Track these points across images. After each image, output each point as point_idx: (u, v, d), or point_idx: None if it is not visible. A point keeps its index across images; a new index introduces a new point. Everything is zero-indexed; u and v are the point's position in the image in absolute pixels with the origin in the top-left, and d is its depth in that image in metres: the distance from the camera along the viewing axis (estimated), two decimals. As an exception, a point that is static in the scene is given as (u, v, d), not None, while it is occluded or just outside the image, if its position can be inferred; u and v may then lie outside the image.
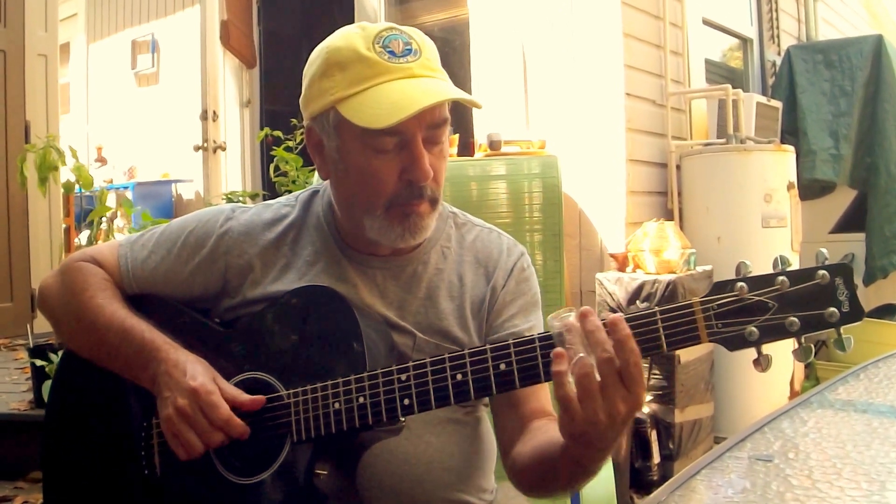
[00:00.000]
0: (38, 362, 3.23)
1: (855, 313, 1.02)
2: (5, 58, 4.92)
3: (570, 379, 1.04)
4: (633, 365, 1.03)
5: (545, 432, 1.27)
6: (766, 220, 4.09)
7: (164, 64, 6.99)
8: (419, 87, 1.27)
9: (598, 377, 1.03)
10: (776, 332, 1.04)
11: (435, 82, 1.30)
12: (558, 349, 1.06)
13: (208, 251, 1.44)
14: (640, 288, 3.53)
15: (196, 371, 1.27)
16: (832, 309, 1.02)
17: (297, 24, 7.14)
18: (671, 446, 3.47)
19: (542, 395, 1.39)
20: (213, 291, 1.45)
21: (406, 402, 1.18)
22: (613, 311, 3.57)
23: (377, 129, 1.25)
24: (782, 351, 1.08)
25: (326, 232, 1.45)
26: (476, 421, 1.46)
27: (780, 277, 1.04)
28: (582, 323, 1.05)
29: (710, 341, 1.06)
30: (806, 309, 1.03)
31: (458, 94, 1.30)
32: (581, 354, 1.04)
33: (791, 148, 4.41)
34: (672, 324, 1.07)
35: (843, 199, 5.42)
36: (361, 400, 1.20)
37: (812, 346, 1.05)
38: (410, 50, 1.30)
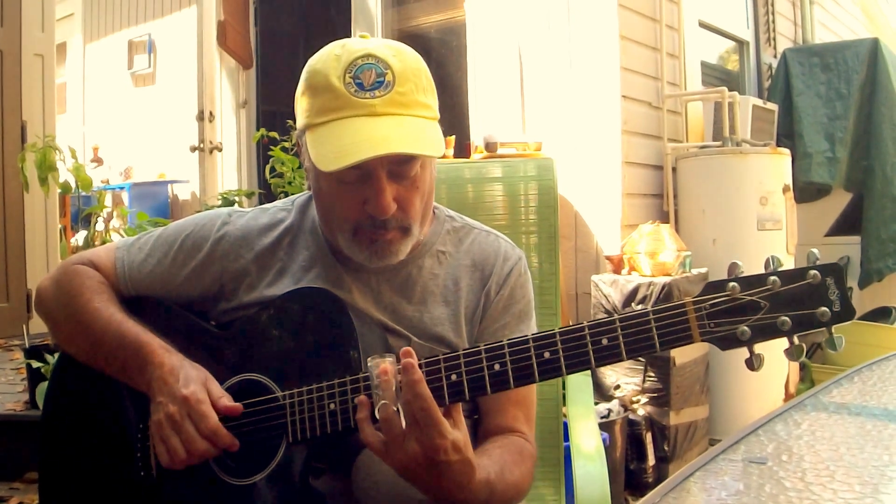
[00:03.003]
0: (34, 363, 3.23)
1: (846, 312, 1.03)
2: (2, 57, 4.91)
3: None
4: (420, 409, 1.09)
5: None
6: (762, 222, 4.09)
7: (160, 64, 6.98)
8: (375, 131, 1.24)
9: (403, 422, 1.10)
10: (768, 332, 1.05)
11: (395, 123, 1.26)
12: (362, 397, 1.14)
13: (205, 255, 1.45)
14: (636, 290, 3.54)
15: (189, 377, 1.27)
16: (823, 308, 1.03)
17: (294, 24, 7.14)
18: (666, 448, 3.47)
19: (512, 411, 1.41)
20: (209, 294, 1.45)
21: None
22: (609, 312, 3.58)
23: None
24: (778, 354, 1.08)
25: (321, 237, 1.45)
26: (470, 423, 1.46)
27: (772, 277, 1.05)
28: (402, 365, 1.11)
29: (703, 341, 1.07)
30: (797, 308, 1.04)
31: (407, 147, 1.25)
32: (383, 401, 1.10)
33: (787, 151, 4.42)
34: (665, 324, 1.08)
35: (838, 201, 5.42)
36: (357, 401, 1.20)
37: (804, 345, 1.06)
38: (382, 82, 1.26)
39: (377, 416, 1.11)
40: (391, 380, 1.10)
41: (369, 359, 1.14)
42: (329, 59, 1.29)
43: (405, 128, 1.27)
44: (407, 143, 1.25)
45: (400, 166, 1.29)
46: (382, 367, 1.11)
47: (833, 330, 1.04)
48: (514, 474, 1.30)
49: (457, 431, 1.12)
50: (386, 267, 1.42)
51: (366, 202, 1.29)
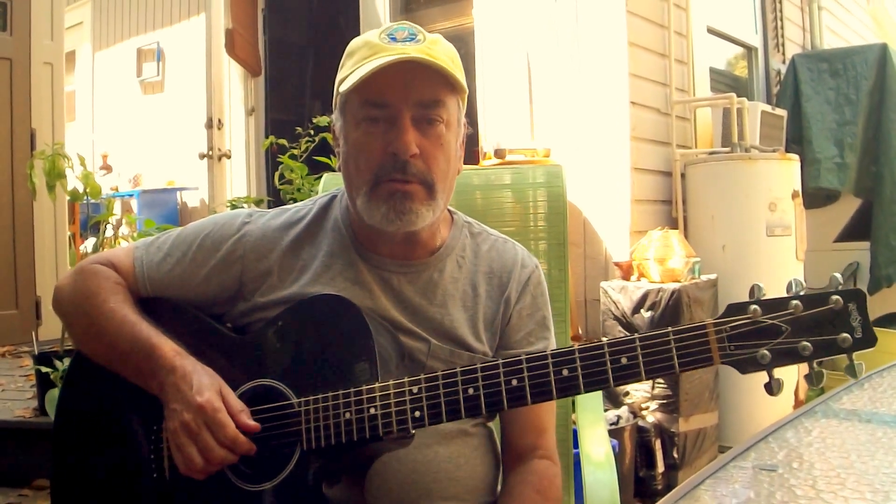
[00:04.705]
0: (43, 369, 3.24)
1: (867, 339, 1.02)
2: (11, 66, 4.94)
3: None
4: None
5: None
6: (771, 228, 4.08)
7: (169, 72, 7.01)
8: (402, 58, 1.29)
9: None
10: (788, 356, 1.04)
11: (425, 60, 1.31)
12: None
13: (224, 254, 1.44)
14: (645, 297, 3.53)
15: (202, 384, 1.26)
16: (845, 335, 1.02)
17: (303, 32, 7.16)
18: (675, 455, 3.46)
19: (533, 421, 1.43)
20: (228, 295, 1.45)
21: (417, 414, 1.19)
22: (618, 319, 3.58)
23: (351, 91, 1.31)
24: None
25: (344, 234, 1.46)
26: (485, 433, 1.47)
27: (794, 301, 1.04)
28: None
29: (723, 363, 1.06)
30: (819, 334, 1.03)
31: (430, 62, 1.30)
32: None
33: (796, 156, 4.41)
34: (685, 345, 1.08)
35: (847, 207, 5.41)
36: (373, 411, 1.20)
37: (824, 371, 1.05)
38: (414, 38, 1.34)
39: None
40: None
41: None
42: (369, 32, 1.38)
43: (429, 60, 1.31)
44: (431, 66, 1.31)
45: (426, 109, 1.33)
46: None
47: (854, 356, 1.03)
48: None
49: None
50: (409, 267, 1.43)
51: (388, 144, 1.32)
